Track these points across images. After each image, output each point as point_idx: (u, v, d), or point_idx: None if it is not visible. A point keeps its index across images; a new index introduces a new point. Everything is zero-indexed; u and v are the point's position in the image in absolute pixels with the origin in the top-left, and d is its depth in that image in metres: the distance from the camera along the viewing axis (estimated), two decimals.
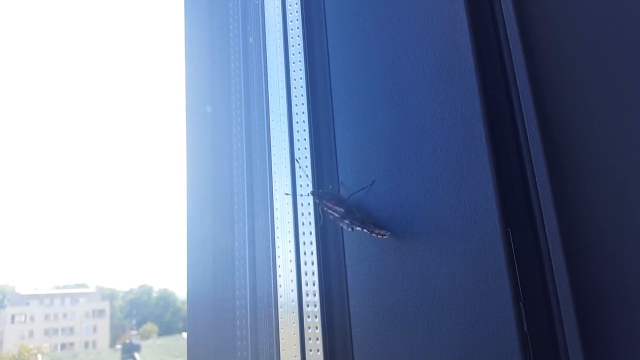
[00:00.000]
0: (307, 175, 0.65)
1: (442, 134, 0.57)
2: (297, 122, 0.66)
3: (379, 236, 0.54)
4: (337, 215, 0.58)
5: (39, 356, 16.26)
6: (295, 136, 0.66)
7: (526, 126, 0.55)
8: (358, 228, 0.55)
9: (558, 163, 0.54)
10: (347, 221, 0.56)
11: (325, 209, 0.60)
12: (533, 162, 0.54)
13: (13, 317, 21.60)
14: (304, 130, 0.66)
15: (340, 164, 0.61)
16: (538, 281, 0.53)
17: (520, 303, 0.53)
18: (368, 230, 0.55)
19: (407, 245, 0.55)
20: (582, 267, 0.52)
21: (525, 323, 0.52)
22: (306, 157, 0.65)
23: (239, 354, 0.67)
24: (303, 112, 0.66)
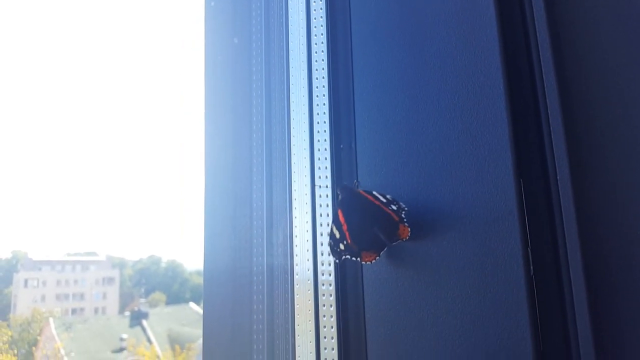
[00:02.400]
0: (325, 158, 0.66)
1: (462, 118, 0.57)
2: (318, 114, 0.67)
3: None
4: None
5: (51, 320, 16.64)
6: (316, 128, 0.67)
7: (547, 99, 0.56)
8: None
9: (578, 139, 0.54)
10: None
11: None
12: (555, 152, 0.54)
13: (26, 281, 22.05)
14: (325, 122, 0.67)
15: (360, 162, 0.62)
16: (547, 228, 0.54)
17: (528, 248, 0.54)
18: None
19: (422, 237, 0.56)
20: (590, 218, 0.53)
21: (531, 267, 0.53)
22: (325, 150, 0.65)
23: (254, 326, 0.68)
24: (324, 104, 0.67)
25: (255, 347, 0.68)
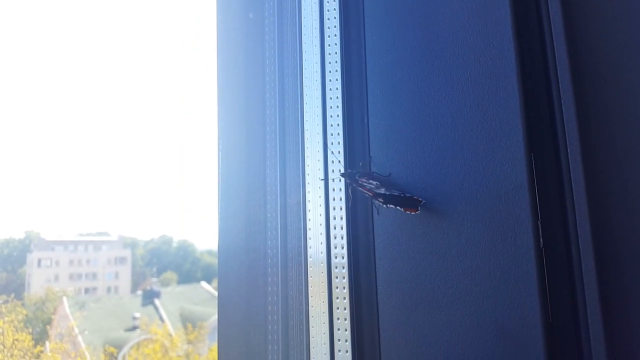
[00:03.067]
0: (338, 134, 0.66)
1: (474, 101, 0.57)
2: (331, 89, 0.67)
3: (412, 212, 0.57)
4: (371, 190, 0.59)
5: (65, 299, 16.91)
6: (328, 103, 0.67)
7: (559, 74, 0.56)
8: (391, 206, 0.57)
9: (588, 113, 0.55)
10: (382, 191, 0.58)
11: (357, 187, 0.61)
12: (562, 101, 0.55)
13: (39, 261, 22.40)
14: (337, 98, 0.67)
15: (372, 136, 0.62)
16: (557, 202, 0.54)
17: (538, 221, 0.55)
18: (401, 206, 0.57)
19: (434, 209, 0.57)
20: (600, 192, 0.54)
21: (541, 239, 0.54)
22: (338, 125, 0.66)
23: (269, 307, 0.69)
24: (337, 80, 0.67)
25: (269, 327, 0.69)
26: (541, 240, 0.54)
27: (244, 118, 0.75)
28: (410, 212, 0.57)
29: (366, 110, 0.63)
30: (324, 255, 0.65)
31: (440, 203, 0.56)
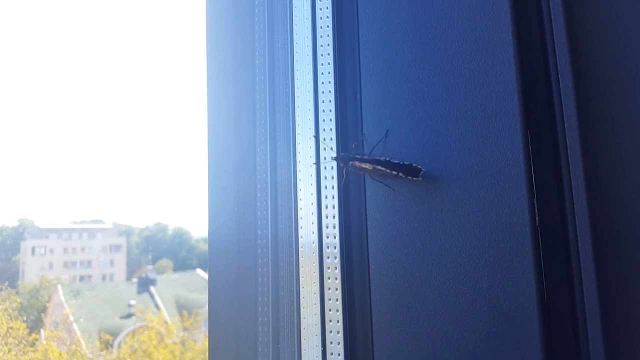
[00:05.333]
0: (330, 120, 0.65)
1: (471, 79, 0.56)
2: (322, 64, 0.66)
3: (414, 178, 0.55)
4: (368, 162, 0.58)
5: (59, 287, 16.91)
6: (320, 79, 0.66)
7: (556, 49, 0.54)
8: (394, 172, 0.56)
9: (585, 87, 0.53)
10: (379, 167, 0.57)
11: (352, 165, 0.60)
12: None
13: (33, 249, 22.35)
14: (329, 73, 0.65)
15: (365, 113, 0.61)
16: (553, 180, 0.53)
17: (534, 199, 0.54)
18: (403, 173, 0.56)
19: (428, 187, 0.56)
20: (597, 169, 0.53)
21: (537, 217, 0.53)
22: (330, 101, 0.64)
23: (260, 288, 0.69)
24: (329, 54, 0.65)
25: (260, 309, 0.69)
26: (537, 218, 0.53)
27: (232, 99, 0.73)
28: (412, 178, 0.55)
29: (359, 86, 0.62)
30: (315, 236, 0.64)
31: (434, 180, 0.55)
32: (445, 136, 0.56)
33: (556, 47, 0.54)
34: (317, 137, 0.65)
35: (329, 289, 0.62)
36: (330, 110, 0.64)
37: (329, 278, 0.62)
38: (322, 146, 0.64)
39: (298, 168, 0.66)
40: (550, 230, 0.53)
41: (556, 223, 0.53)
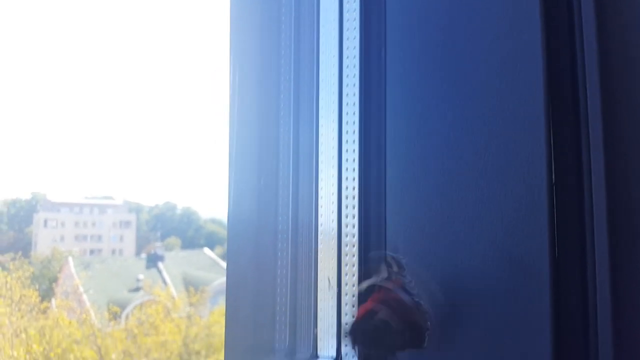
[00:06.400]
0: (353, 113, 0.67)
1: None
2: (347, 48, 0.68)
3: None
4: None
5: (70, 259, 17.21)
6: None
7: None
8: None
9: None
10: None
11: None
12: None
13: (45, 221, 22.67)
14: (354, 57, 0.68)
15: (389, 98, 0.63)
16: (571, 134, 0.56)
17: (552, 155, 0.55)
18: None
19: (449, 180, 0.59)
20: (617, 126, 0.54)
21: (554, 175, 0.55)
22: (354, 85, 0.68)
23: (278, 280, 0.72)
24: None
25: (278, 299, 0.72)
26: (554, 175, 0.57)
27: (256, 83, 0.76)
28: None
29: (384, 73, 0.65)
30: (334, 224, 0.66)
31: (454, 142, 0.59)
32: (464, 88, 0.59)
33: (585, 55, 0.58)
34: (340, 130, 0.67)
35: (346, 274, 0.64)
36: (354, 104, 0.67)
37: (346, 265, 0.65)
38: (344, 129, 0.67)
39: (320, 159, 0.69)
40: (566, 188, 0.57)
41: (572, 179, 0.57)
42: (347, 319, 0.63)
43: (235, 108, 0.75)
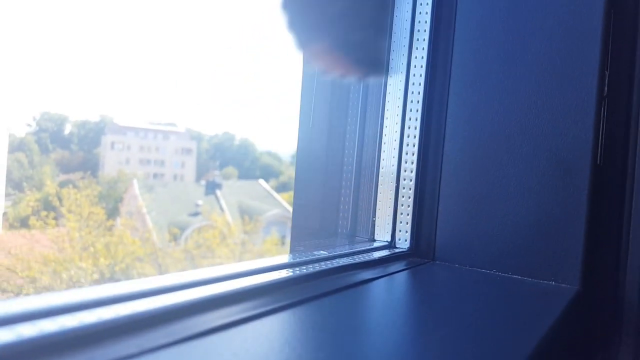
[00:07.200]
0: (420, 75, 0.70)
1: None
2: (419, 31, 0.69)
3: None
4: None
5: (135, 181, 18.09)
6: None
7: None
8: None
9: None
10: None
11: None
12: None
13: (112, 144, 23.77)
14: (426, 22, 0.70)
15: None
16: (627, 51, 0.57)
17: (606, 71, 0.60)
18: None
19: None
20: None
21: (606, 88, 0.60)
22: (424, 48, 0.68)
23: (344, 175, 0.78)
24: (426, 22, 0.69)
25: (343, 191, 0.78)
26: (606, 88, 0.59)
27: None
28: None
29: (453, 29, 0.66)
30: (394, 168, 0.73)
31: (512, 57, 0.62)
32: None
33: None
34: (407, 79, 0.72)
35: (401, 214, 0.72)
36: (424, 49, 0.70)
37: (402, 205, 0.73)
38: (410, 81, 0.71)
39: (386, 107, 0.72)
40: (616, 103, 0.60)
41: (623, 95, 0.60)
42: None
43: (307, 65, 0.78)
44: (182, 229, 15.13)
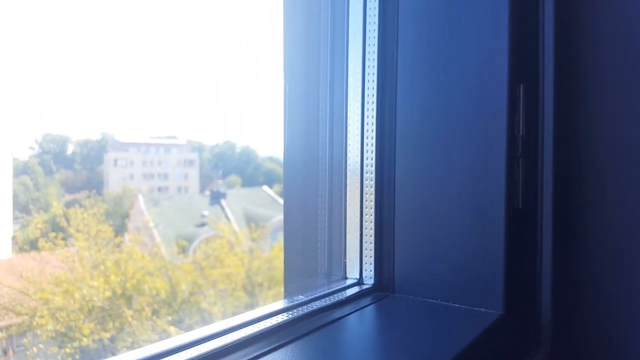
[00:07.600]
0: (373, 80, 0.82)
1: None
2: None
3: None
4: None
5: (140, 196, 18.23)
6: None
7: None
8: None
9: None
10: None
11: None
12: None
13: (115, 161, 23.92)
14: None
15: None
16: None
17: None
18: None
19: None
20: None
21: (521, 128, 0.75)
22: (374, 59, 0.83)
23: (319, 219, 0.89)
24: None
25: (319, 237, 0.92)
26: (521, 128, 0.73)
27: (305, 56, 0.91)
28: None
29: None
30: (358, 159, 0.84)
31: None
32: None
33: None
34: (363, 83, 0.84)
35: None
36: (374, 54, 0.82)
37: (367, 194, 0.85)
38: (366, 85, 0.84)
39: (349, 108, 0.86)
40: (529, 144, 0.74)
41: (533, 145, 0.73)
42: (366, 251, 0.86)
43: (288, 68, 0.91)
44: (190, 240, 15.26)
